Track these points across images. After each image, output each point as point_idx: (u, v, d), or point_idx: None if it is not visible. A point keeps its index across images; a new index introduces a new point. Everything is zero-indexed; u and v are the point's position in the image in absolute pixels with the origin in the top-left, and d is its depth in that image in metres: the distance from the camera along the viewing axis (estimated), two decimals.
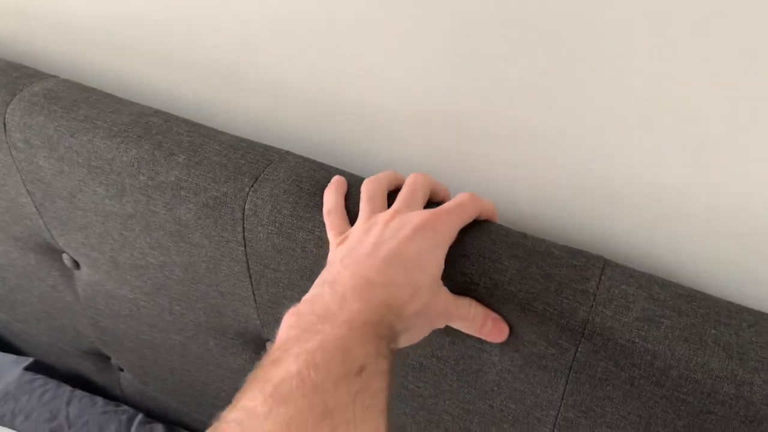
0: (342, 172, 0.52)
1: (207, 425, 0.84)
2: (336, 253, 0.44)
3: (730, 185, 0.45)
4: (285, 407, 0.32)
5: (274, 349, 0.37)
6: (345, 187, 0.50)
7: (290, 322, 0.39)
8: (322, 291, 0.41)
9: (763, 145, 0.42)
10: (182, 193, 0.53)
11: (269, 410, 0.32)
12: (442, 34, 0.47)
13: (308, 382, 0.33)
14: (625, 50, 0.42)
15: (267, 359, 0.36)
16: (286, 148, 0.55)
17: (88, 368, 0.88)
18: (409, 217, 0.43)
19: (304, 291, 0.52)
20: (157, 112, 0.58)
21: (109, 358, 0.84)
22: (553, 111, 0.47)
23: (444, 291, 0.44)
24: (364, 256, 0.41)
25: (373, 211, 0.46)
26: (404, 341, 0.42)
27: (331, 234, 0.47)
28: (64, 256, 0.71)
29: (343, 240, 0.45)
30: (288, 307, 0.55)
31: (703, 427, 0.42)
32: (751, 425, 0.40)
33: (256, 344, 0.63)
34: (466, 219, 0.46)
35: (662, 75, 0.42)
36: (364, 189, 0.48)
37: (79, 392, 0.82)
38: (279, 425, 0.32)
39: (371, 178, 0.49)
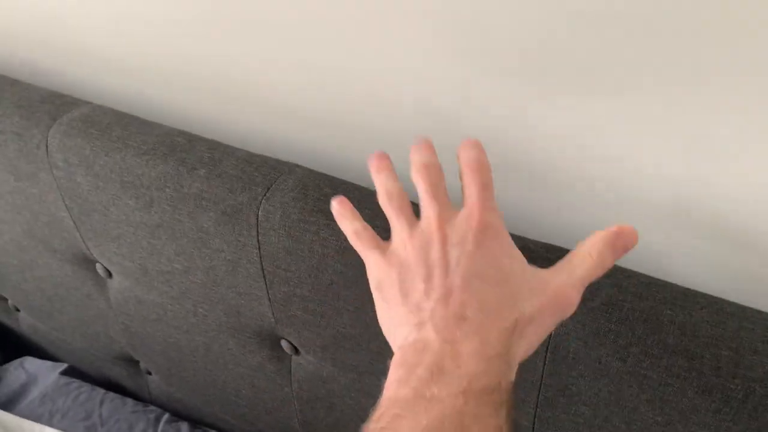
0: (345, 182, 0.58)
1: (229, 423, 0.90)
2: (392, 274, 0.42)
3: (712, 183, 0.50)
4: None
5: (384, 406, 0.37)
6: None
7: (398, 375, 0.38)
8: (425, 336, 0.38)
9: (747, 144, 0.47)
10: (204, 203, 0.60)
11: None
12: (451, 50, 0.53)
13: None
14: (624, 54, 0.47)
15: (377, 422, 0.36)
16: (294, 161, 0.61)
17: (118, 373, 0.95)
18: (460, 225, 0.41)
19: (312, 288, 0.58)
20: (181, 133, 0.65)
21: (138, 363, 0.90)
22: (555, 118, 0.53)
23: (547, 273, 0.41)
24: (448, 290, 0.39)
25: (411, 222, 0.43)
26: (523, 355, 0.40)
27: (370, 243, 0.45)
28: (98, 265, 0.78)
29: (386, 251, 0.43)
30: (299, 305, 0.61)
31: (663, 399, 0.47)
32: (703, 395, 0.45)
33: (272, 341, 0.69)
34: (492, 184, 0.43)
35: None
36: (387, 205, 0.45)
37: (111, 394, 0.89)
38: None
39: (383, 195, 0.45)
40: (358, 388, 0.65)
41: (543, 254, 0.51)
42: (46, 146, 0.67)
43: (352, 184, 0.58)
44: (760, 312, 0.46)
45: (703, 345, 0.45)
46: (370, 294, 0.55)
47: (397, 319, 0.41)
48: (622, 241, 0.41)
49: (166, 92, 0.72)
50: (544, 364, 0.51)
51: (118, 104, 0.73)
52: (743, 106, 0.44)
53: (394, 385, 0.37)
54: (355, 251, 0.53)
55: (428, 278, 0.40)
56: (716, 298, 0.48)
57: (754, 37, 0.41)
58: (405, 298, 0.41)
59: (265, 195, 0.57)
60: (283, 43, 0.60)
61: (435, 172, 0.44)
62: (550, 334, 0.50)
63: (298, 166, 0.61)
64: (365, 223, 0.46)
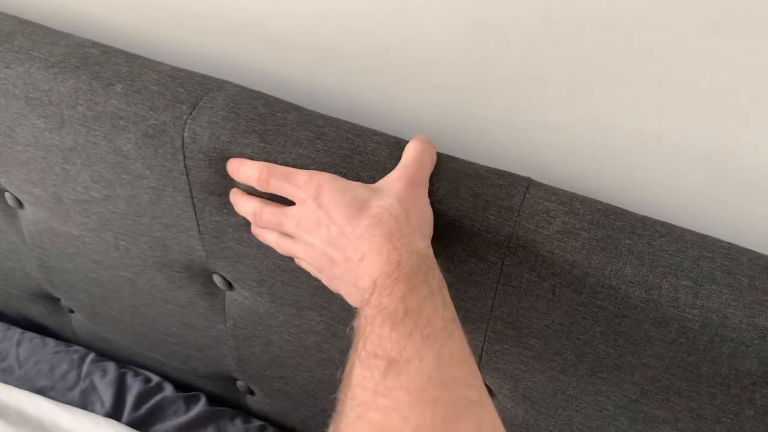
0: (281, 101, 0.53)
1: (159, 362, 0.85)
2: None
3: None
4: None
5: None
6: None
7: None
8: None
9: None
10: (121, 123, 0.53)
11: None
12: None
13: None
14: None
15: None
16: (224, 78, 0.55)
17: (38, 312, 0.89)
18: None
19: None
20: (95, 44, 0.58)
21: (58, 300, 0.84)
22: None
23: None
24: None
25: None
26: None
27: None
28: (7, 195, 0.70)
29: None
30: (232, 237, 0.56)
31: (617, 331, 0.45)
32: (659, 326, 0.44)
33: (204, 276, 0.64)
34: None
35: None
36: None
37: (29, 334, 0.83)
38: None
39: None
40: (297, 324, 0.62)
41: (494, 181, 0.47)
42: None
43: (289, 103, 0.53)
44: (719, 241, 0.45)
45: (661, 275, 0.43)
46: None
47: None
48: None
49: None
50: (494, 295, 0.49)
51: (20, 12, 0.64)
52: None
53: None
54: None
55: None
56: (676, 226, 0.46)
57: None
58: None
59: (191, 114, 0.52)
60: None
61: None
62: (501, 267, 0.47)
63: (227, 82, 0.55)
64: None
